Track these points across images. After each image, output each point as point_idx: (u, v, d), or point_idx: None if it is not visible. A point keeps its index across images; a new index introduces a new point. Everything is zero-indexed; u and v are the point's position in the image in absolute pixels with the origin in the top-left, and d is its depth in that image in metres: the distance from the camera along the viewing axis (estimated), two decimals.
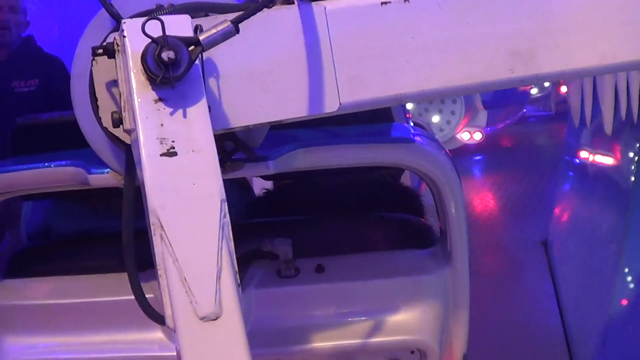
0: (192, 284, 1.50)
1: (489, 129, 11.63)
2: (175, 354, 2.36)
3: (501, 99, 11.69)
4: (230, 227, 1.57)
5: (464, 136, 11.36)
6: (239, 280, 1.56)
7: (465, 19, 1.82)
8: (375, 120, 2.53)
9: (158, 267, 1.57)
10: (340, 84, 1.82)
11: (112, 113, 1.74)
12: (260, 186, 3.17)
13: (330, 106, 1.83)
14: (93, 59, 1.79)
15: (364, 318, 2.46)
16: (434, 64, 1.83)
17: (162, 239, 1.54)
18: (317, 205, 2.77)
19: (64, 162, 2.30)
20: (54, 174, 2.31)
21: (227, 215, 1.57)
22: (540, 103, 13.64)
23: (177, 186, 1.58)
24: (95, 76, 1.81)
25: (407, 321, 2.45)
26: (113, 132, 1.83)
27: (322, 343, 2.44)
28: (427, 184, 2.43)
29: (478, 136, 11.36)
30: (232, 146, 2.01)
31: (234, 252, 1.57)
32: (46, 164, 2.33)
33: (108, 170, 2.07)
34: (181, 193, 1.57)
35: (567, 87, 6.07)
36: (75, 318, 2.48)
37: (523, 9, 1.82)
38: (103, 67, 1.79)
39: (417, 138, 2.40)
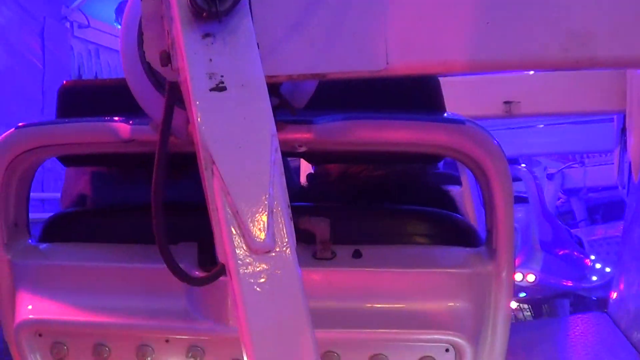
0: (244, 217, 1.44)
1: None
2: (196, 325, 2.29)
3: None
4: (282, 164, 1.51)
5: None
6: (291, 215, 1.49)
7: None
8: (427, 109, 2.41)
9: (210, 202, 1.51)
10: (389, 43, 1.76)
11: (160, 52, 1.69)
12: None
13: (377, 64, 1.77)
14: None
15: (398, 308, 2.31)
16: (486, 34, 1.77)
17: (214, 173, 1.48)
18: (355, 196, 2.64)
19: (106, 117, 2.24)
20: (97, 129, 2.25)
21: (279, 151, 1.51)
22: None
23: (227, 120, 1.52)
24: (143, 16, 1.76)
25: (442, 316, 2.29)
26: (159, 71, 1.76)
27: (353, 329, 2.31)
28: (475, 175, 2.30)
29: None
30: (276, 101, 1.92)
31: (286, 188, 1.51)
32: (89, 119, 2.27)
33: (149, 122, 2.02)
34: (232, 127, 1.51)
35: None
36: (101, 283, 2.39)
37: None
38: (151, 7, 1.74)
39: (470, 124, 2.28)
